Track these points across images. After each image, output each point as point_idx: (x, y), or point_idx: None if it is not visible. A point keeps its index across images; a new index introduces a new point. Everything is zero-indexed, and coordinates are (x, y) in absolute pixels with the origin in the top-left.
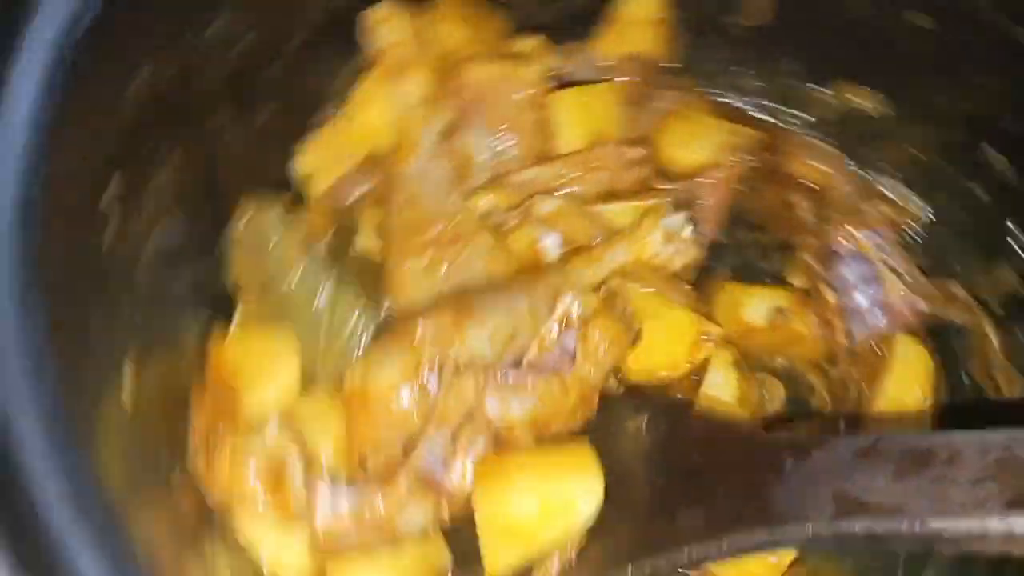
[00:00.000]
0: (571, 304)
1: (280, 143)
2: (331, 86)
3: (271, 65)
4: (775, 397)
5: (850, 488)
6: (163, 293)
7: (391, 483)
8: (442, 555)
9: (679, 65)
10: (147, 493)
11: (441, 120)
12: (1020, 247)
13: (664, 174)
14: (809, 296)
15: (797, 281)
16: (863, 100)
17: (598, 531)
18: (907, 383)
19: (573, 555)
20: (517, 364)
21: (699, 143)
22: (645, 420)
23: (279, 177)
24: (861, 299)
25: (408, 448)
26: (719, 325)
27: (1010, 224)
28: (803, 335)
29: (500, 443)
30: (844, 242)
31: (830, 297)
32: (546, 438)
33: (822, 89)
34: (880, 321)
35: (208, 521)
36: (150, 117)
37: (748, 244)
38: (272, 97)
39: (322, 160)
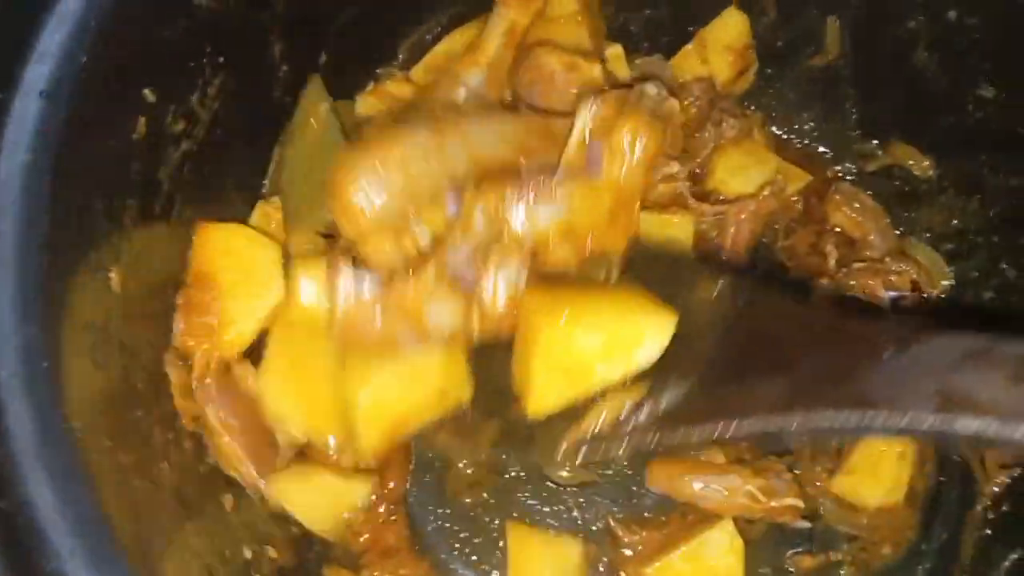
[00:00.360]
0: (590, 109)
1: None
2: (398, 44)
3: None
4: None
5: (958, 385)
6: (182, 191)
7: (419, 270)
8: (464, 387)
9: (748, 95)
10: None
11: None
12: None
13: (701, 195)
14: None
15: None
16: (913, 161)
17: (659, 388)
18: (889, 441)
19: (626, 410)
20: (543, 173)
21: (750, 174)
22: (722, 284)
23: None
24: None
25: (435, 244)
26: None
27: None
28: None
29: (540, 267)
30: (863, 294)
31: None
32: (591, 257)
33: (876, 142)
34: None
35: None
36: (202, 38)
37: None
38: (335, 42)
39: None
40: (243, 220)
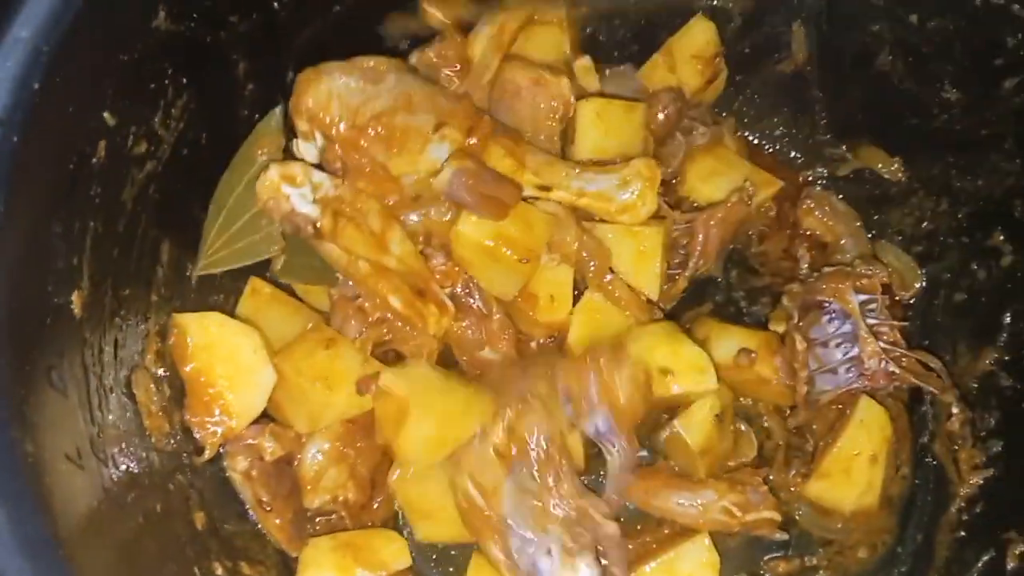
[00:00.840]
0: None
1: None
2: None
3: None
4: (745, 453)
5: None
6: (147, 212)
7: None
8: None
9: (719, 101)
10: None
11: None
12: (1010, 337)
13: (673, 203)
14: (781, 342)
15: (777, 327)
16: (882, 164)
17: None
18: (861, 444)
19: None
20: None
21: (721, 181)
22: None
23: None
24: (837, 354)
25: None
26: None
27: (1007, 316)
28: (767, 379)
29: None
30: (832, 298)
31: (799, 345)
32: None
33: (845, 146)
34: (852, 379)
35: None
36: (162, 60)
37: (739, 286)
38: (298, 60)
39: None
40: None
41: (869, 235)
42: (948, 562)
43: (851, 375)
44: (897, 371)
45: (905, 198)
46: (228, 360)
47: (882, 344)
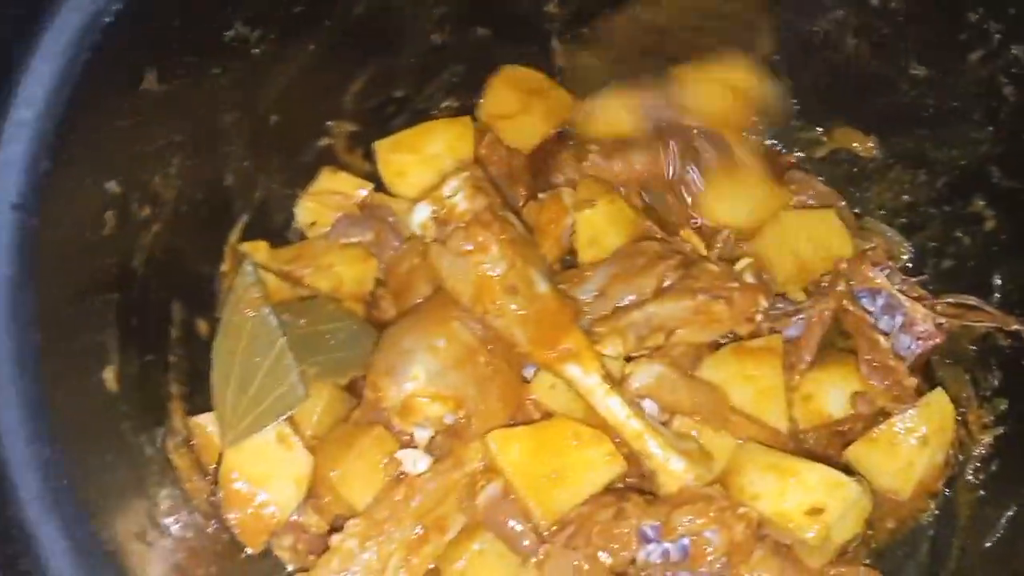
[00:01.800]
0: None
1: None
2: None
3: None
4: None
5: None
6: (156, 276)
7: None
8: None
9: None
10: None
11: None
12: (1003, 298)
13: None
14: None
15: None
16: (857, 142)
17: None
18: (916, 423)
19: None
20: None
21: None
22: None
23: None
24: (887, 326)
25: None
26: None
27: (997, 278)
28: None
29: None
30: (860, 283)
31: (884, 344)
32: None
33: (820, 130)
34: (912, 344)
35: None
36: (154, 120)
37: None
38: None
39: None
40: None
41: (853, 212)
42: (972, 521)
43: (907, 340)
44: (944, 321)
45: (883, 174)
46: (257, 456)
47: (920, 302)
